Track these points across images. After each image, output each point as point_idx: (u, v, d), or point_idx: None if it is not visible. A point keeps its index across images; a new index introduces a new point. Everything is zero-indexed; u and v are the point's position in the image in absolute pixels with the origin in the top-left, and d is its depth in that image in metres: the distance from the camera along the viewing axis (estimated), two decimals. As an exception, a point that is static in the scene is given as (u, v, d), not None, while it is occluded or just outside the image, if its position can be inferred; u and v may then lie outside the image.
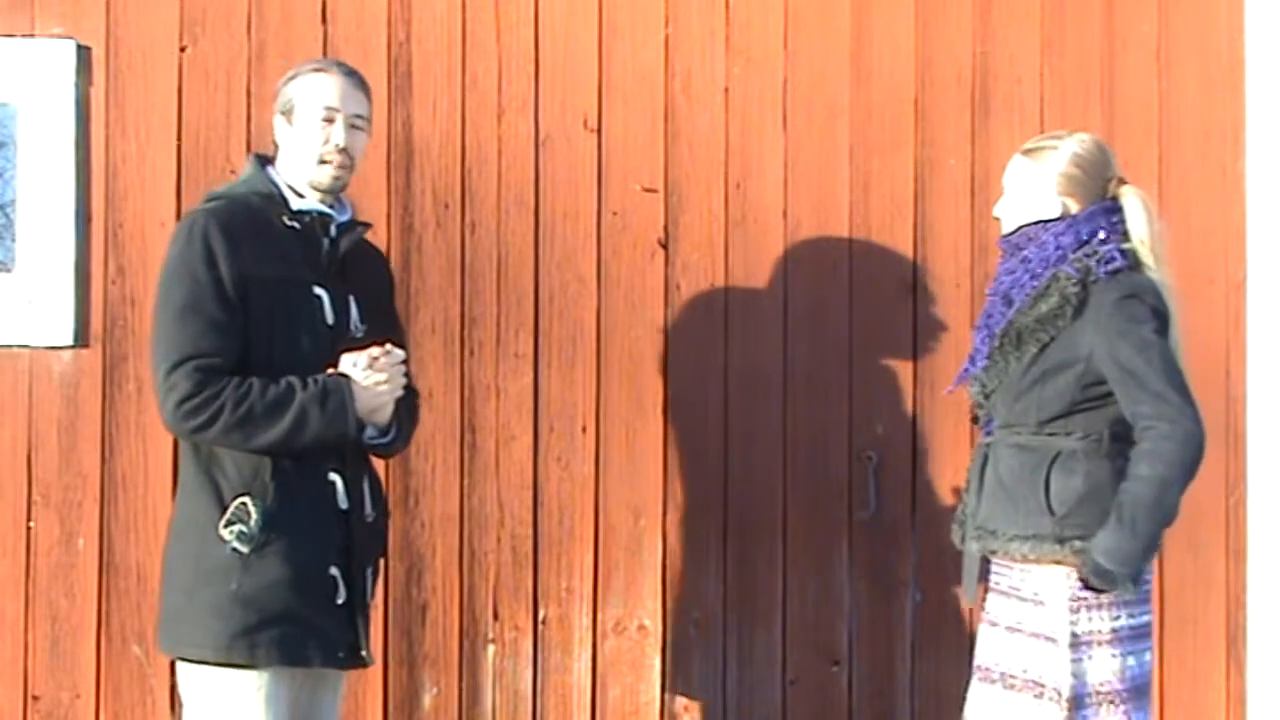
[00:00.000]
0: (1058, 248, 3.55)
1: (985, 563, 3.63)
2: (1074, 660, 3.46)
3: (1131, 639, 3.50)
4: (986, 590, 3.64)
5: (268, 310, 3.45)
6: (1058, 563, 3.47)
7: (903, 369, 4.45)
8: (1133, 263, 3.54)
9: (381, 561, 3.73)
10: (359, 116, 3.59)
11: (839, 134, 4.47)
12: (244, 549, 3.38)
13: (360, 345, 3.53)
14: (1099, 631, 3.47)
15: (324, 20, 4.37)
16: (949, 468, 4.35)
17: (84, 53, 4.31)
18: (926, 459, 4.43)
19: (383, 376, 3.50)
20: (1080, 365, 3.49)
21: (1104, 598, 3.44)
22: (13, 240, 4.30)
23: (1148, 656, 3.55)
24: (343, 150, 3.54)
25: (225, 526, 3.39)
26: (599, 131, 4.42)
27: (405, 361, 3.57)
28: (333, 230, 3.57)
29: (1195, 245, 4.49)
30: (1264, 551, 4.47)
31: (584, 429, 4.38)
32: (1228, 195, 4.52)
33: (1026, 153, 3.67)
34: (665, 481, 4.40)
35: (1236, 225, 4.52)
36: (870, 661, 4.42)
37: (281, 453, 3.42)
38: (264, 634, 3.38)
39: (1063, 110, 4.46)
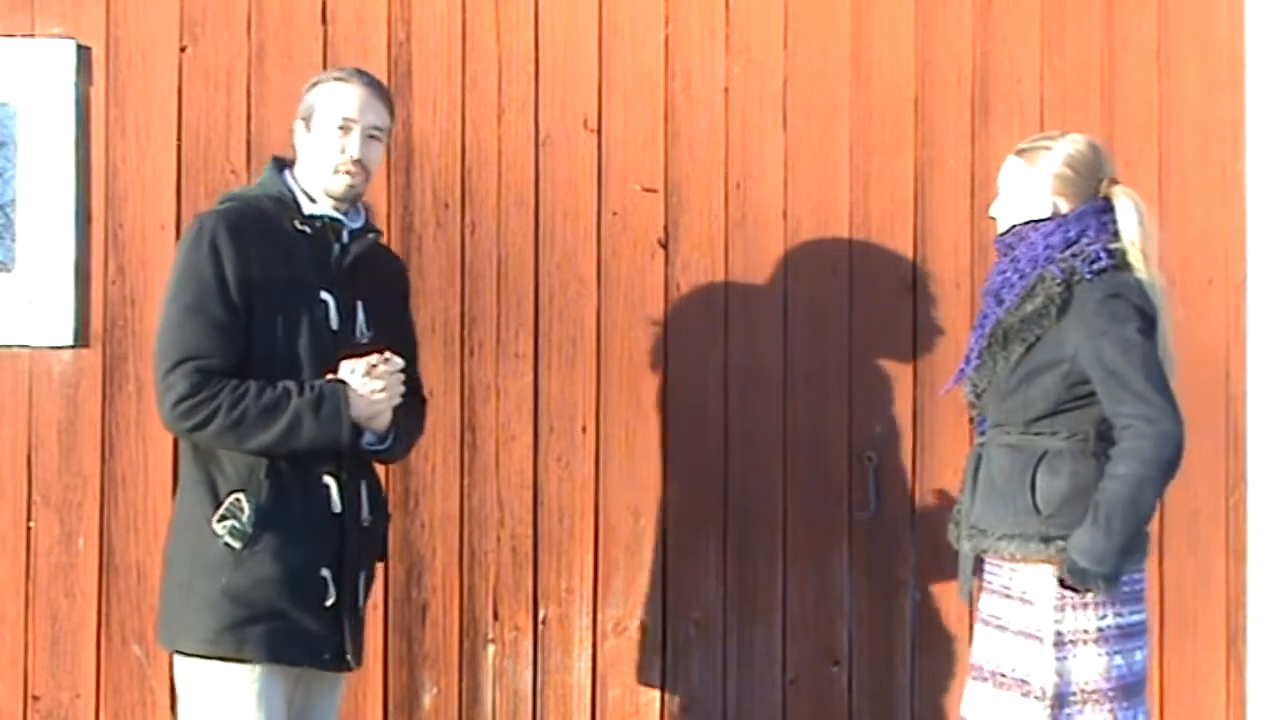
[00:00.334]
0: (1046, 247, 3.56)
1: (979, 562, 3.64)
2: (1058, 659, 3.47)
3: (1119, 638, 3.51)
4: (981, 589, 3.65)
5: (272, 313, 3.47)
6: (1045, 561, 3.48)
7: (903, 369, 4.45)
8: (1120, 262, 3.54)
9: (379, 566, 3.73)
10: (377, 128, 3.61)
11: (839, 134, 4.47)
12: (236, 544, 3.41)
13: (366, 351, 3.54)
14: (1084, 631, 3.48)
15: (324, 20, 4.37)
16: (949, 468, 4.35)
17: (84, 53, 4.31)
18: (926, 459, 4.43)
19: (380, 384, 3.52)
20: (1065, 365, 3.50)
21: (1090, 596, 3.44)
22: (13, 240, 4.30)
23: (1139, 656, 3.55)
24: (357, 161, 3.56)
25: (218, 521, 3.42)
26: (599, 131, 4.42)
27: (407, 370, 3.59)
28: (344, 236, 3.60)
29: (1195, 245, 4.49)
30: (1264, 551, 4.47)
31: (584, 429, 4.38)
32: (1228, 195, 4.52)
33: (1020, 153, 3.68)
34: (665, 481, 4.40)
35: (1236, 225, 4.52)
36: (870, 661, 4.42)
37: (276, 455, 3.44)
38: (251, 630, 3.41)
39: (1063, 110, 4.46)
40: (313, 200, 3.59)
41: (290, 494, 3.46)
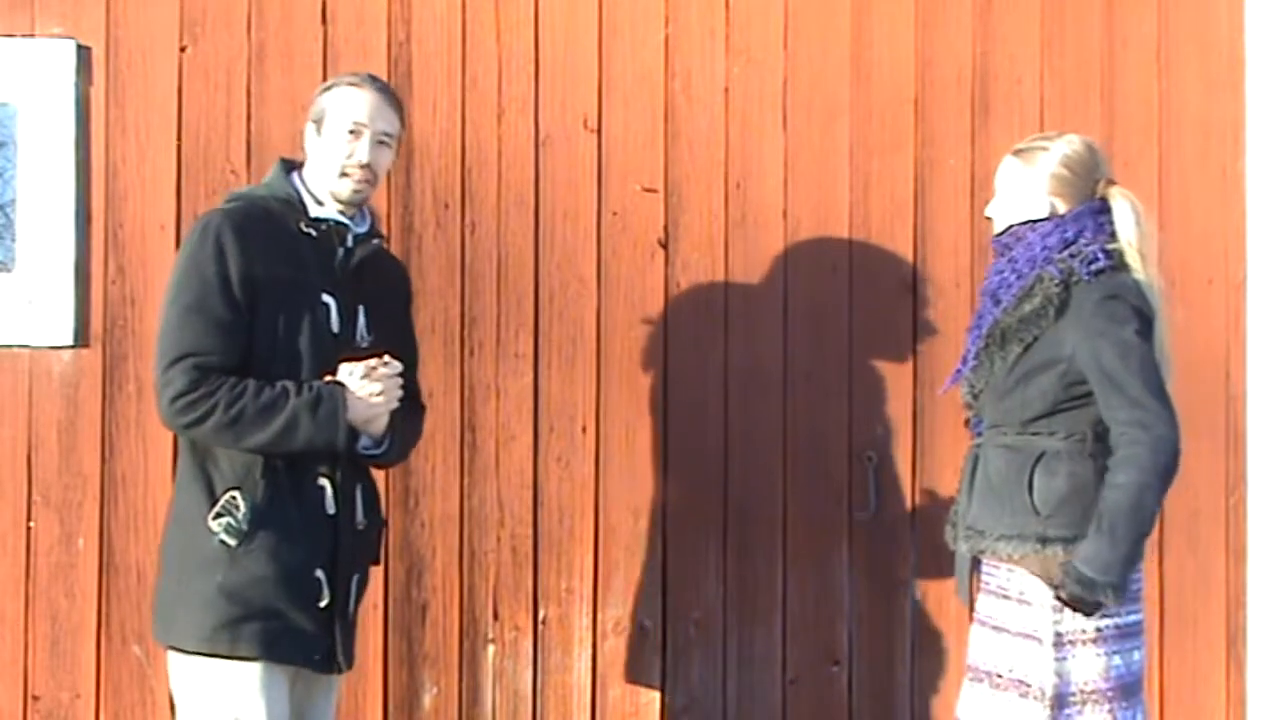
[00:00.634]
0: (1043, 248, 3.56)
1: (977, 563, 3.64)
2: (1057, 659, 3.47)
3: (1117, 638, 3.51)
4: (978, 590, 3.65)
5: (274, 313, 3.48)
6: (1039, 575, 3.47)
7: (903, 369, 4.45)
8: (1117, 263, 3.54)
9: (372, 569, 3.72)
10: (387, 134, 3.62)
11: (839, 134, 4.47)
12: (231, 542, 3.42)
13: (366, 356, 3.55)
14: (1083, 631, 3.48)
15: (324, 20, 4.37)
16: (949, 468, 4.35)
17: (84, 53, 4.31)
18: (926, 459, 4.43)
19: (378, 388, 3.53)
20: (1063, 365, 3.50)
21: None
22: (13, 240, 4.30)
23: (1137, 655, 3.55)
24: (365, 166, 3.57)
25: (214, 519, 3.43)
26: (599, 131, 4.42)
27: (406, 376, 3.60)
28: (349, 240, 3.60)
29: (1195, 245, 4.49)
30: (1264, 551, 4.47)
31: (584, 429, 4.38)
32: (1228, 195, 4.52)
33: (1017, 153, 3.68)
34: (665, 481, 4.40)
35: (1236, 225, 4.52)
36: (870, 661, 4.42)
37: (271, 455, 3.45)
38: (245, 628, 3.42)
39: (1063, 110, 4.46)
40: (319, 203, 3.59)
41: (286, 494, 3.47)
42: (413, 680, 4.33)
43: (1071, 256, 3.53)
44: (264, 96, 4.33)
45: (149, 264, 4.27)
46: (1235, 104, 4.53)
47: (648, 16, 4.44)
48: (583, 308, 4.40)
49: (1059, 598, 3.44)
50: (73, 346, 4.27)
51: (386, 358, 3.56)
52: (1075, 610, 3.44)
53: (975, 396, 3.65)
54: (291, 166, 3.66)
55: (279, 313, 3.48)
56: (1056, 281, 3.51)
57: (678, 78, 4.45)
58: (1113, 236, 3.57)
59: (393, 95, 3.67)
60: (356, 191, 3.58)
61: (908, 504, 4.43)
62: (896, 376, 4.45)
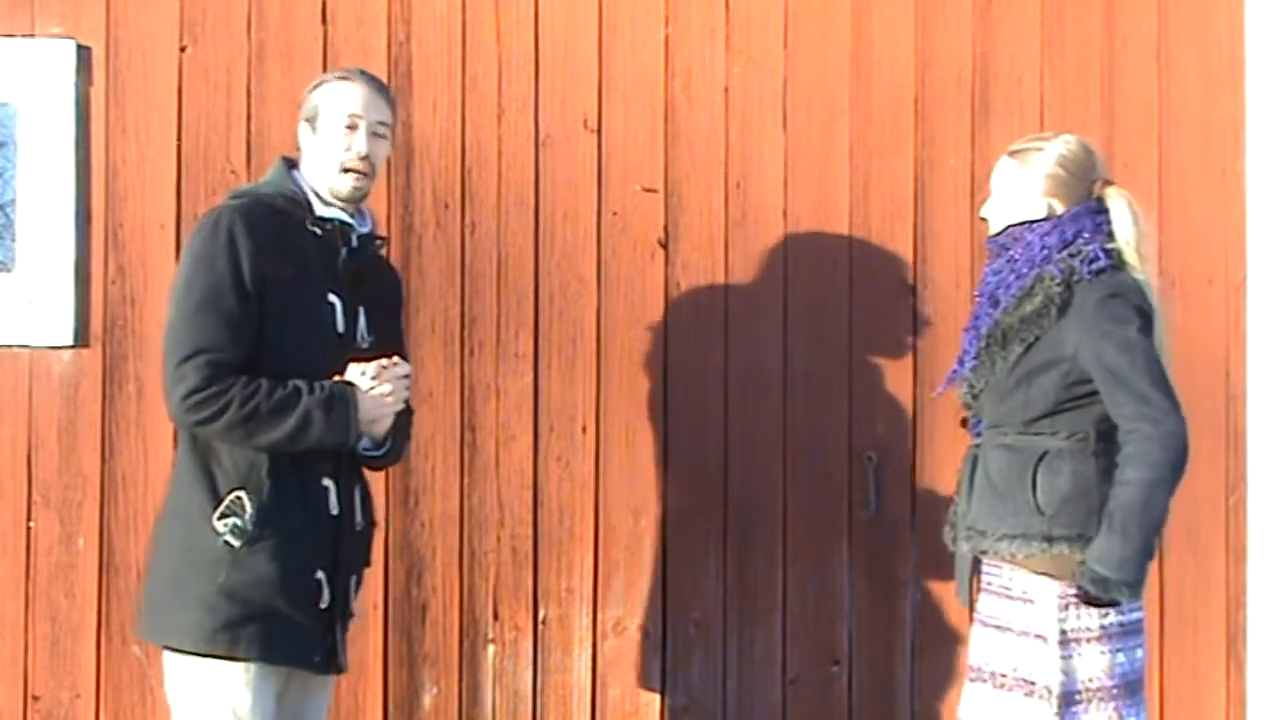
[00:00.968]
0: (1043, 248, 3.56)
1: (977, 563, 3.64)
2: (1063, 657, 3.47)
3: (1121, 635, 3.51)
4: (979, 590, 3.65)
5: (281, 311, 3.46)
6: (1047, 574, 3.48)
7: (903, 369, 4.45)
8: (1117, 263, 3.54)
9: (365, 572, 3.72)
10: (382, 124, 3.62)
11: (839, 134, 4.47)
12: (236, 542, 3.39)
13: (366, 356, 3.55)
14: (1088, 629, 3.48)
15: (324, 20, 4.37)
16: (949, 468, 4.34)
17: (84, 53, 4.31)
18: (926, 459, 4.43)
19: (388, 388, 3.53)
20: (1065, 364, 3.50)
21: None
22: (13, 240, 4.30)
23: (1139, 653, 3.55)
24: (365, 158, 3.57)
25: (219, 519, 3.40)
26: (599, 131, 4.42)
27: (408, 376, 3.60)
28: (353, 240, 3.60)
29: (1195, 245, 4.49)
30: (1264, 551, 4.47)
31: (584, 429, 4.38)
32: (1228, 195, 4.52)
33: (1013, 154, 3.68)
34: (665, 481, 4.40)
35: (1236, 225, 4.52)
36: (870, 661, 4.42)
37: (280, 453, 3.43)
38: (246, 629, 3.40)
39: (1063, 110, 4.46)
40: (325, 202, 3.59)
41: (290, 494, 3.45)
42: (413, 680, 4.33)
43: (1072, 256, 3.53)
44: (264, 96, 4.33)
45: (149, 264, 4.27)
46: (1235, 104, 4.53)
47: (648, 16, 4.44)
48: (583, 308, 4.40)
49: (1077, 597, 3.44)
50: (73, 346, 4.27)
51: (396, 358, 3.57)
52: (1094, 606, 3.43)
53: (975, 397, 3.65)
54: (293, 164, 3.65)
55: (286, 311, 3.47)
56: (1058, 281, 3.50)
57: (678, 78, 4.45)
58: (1110, 236, 3.57)
59: (384, 87, 3.67)
60: (357, 186, 3.58)
61: (908, 504, 4.43)
62: (896, 376, 4.45)
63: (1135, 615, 3.54)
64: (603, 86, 4.43)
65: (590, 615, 4.37)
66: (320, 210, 3.58)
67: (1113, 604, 3.44)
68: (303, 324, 3.50)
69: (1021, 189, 3.63)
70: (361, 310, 3.62)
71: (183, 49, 4.34)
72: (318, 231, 3.55)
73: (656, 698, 4.38)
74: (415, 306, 4.34)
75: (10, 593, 4.26)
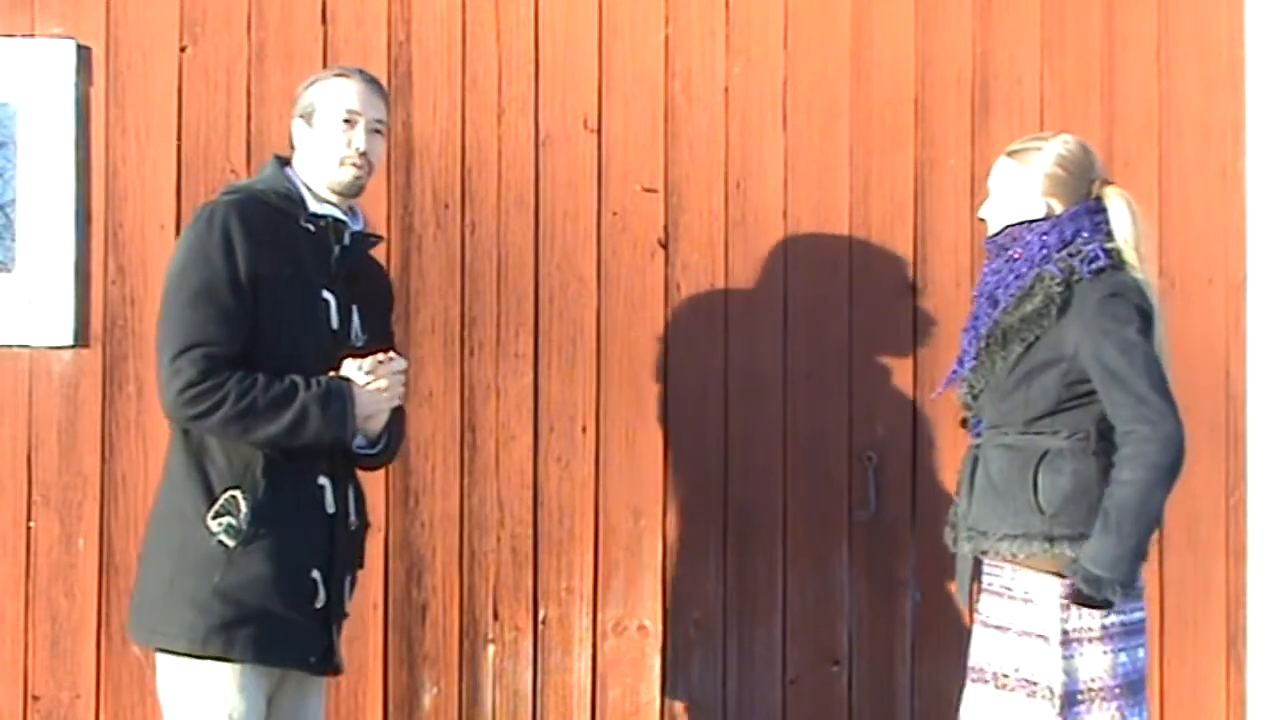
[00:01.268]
0: (1042, 247, 3.56)
1: (978, 564, 3.64)
2: (1065, 658, 3.46)
3: (1123, 635, 3.51)
4: (980, 591, 3.65)
5: (276, 308, 3.45)
6: (1049, 563, 3.48)
7: (903, 369, 4.45)
8: (1117, 262, 3.54)
9: (360, 573, 3.70)
10: (379, 121, 3.62)
11: (839, 134, 4.47)
12: (231, 542, 3.38)
13: (360, 354, 3.54)
14: (1089, 629, 3.48)
15: (324, 20, 4.37)
16: (949, 468, 4.34)
17: (84, 53, 4.31)
18: (926, 459, 4.43)
19: (384, 383, 3.52)
20: (1065, 364, 3.50)
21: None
22: (13, 240, 4.30)
23: (1141, 653, 3.55)
24: (363, 154, 3.56)
25: (213, 518, 3.38)
26: (599, 131, 4.42)
27: (404, 371, 3.59)
28: (346, 238, 3.59)
29: (1195, 245, 4.49)
30: (1264, 551, 4.47)
31: (584, 429, 4.38)
32: (1228, 195, 4.52)
33: (1011, 154, 3.68)
34: (665, 481, 4.40)
35: (1236, 225, 4.52)
36: (870, 661, 4.42)
37: (276, 450, 3.42)
38: (241, 630, 3.38)
39: (1063, 110, 4.46)
40: (319, 199, 3.58)
41: (286, 493, 3.43)
42: (413, 680, 4.33)
43: (1071, 255, 3.53)
44: (264, 96, 4.33)
45: (149, 264, 4.27)
46: (1235, 104, 4.53)
47: (648, 16, 4.44)
48: (583, 308, 4.40)
49: (1069, 597, 3.44)
50: (73, 346, 4.27)
51: (391, 353, 3.56)
52: (1085, 607, 3.44)
53: (975, 397, 3.64)
54: (285, 162, 3.64)
55: (281, 308, 3.45)
56: (1058, 280, 3.50)
57: (678, 78, 4.45)
58: (1110, 236, 3.57)
59: (380, 85, 3.67)
60: (356, 180, 3.57)
61: (908, 504, 4.43)
62: (896, 377, 4.45)
63: (1137, 615, 3.54)
64: (603, 86, 4.43)
65: (590, 615, 4.37)
66: (314, 207, 3.57)
67: (1105, 604, 3.43)
68: (297, 321, 3.48)
69: (1020, 189, 3.63)
70: (355, 309, 3.60)
71: (183, 49, 4.34)
72: (311, 228, 3.54)
73: (656, 698, 4.38)
74: (415, 306, 4.34)
75: (10, 593, 4.26)
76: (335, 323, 3.55)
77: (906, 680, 4.43)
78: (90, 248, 4.29)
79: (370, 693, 4.30)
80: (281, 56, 4.34)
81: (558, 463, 4.38)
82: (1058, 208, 3.61)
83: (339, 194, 3.58)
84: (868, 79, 4.48)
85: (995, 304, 3.59)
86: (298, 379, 3.42)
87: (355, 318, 3.61)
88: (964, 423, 3.73)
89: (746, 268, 4.44)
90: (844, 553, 4.43)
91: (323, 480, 3.50)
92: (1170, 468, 3.43)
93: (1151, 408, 3.42)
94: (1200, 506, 4.46)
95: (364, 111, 3.58)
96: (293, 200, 3.55)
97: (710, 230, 4.43)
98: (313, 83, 3.64)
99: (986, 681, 3.57)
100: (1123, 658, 3.50)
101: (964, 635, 3.70)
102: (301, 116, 3.62)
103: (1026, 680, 3.50)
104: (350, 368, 3.50)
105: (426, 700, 4.34)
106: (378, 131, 3.61)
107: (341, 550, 3.54)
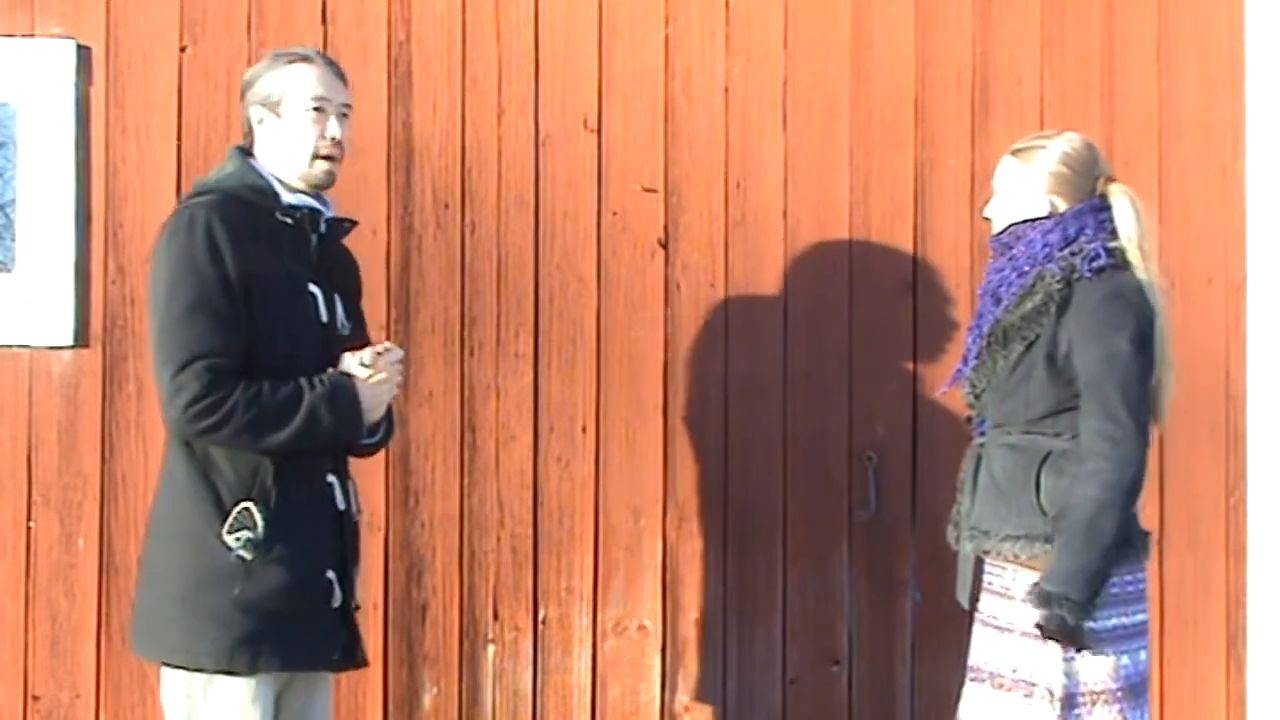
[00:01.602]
0: (1044, 245, 3.55)
1: (979, 563, 3.63)
2: (1065, 659, 3.46)
3: (1126, 638, 3.50)
4: (981, 591, 3.64)
5: (268, 307, 3.38)
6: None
7: (903, 369, 4.45)
8: (1119, 261, 3.53)
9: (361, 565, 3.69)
10: (346, 105, 3.54)
11: (839, 134, 4.47)
12: (249, 556, 3.31)
13: (348, 344, 3.51)
14: (1092, 630, 3.46)
15: (324, 20, 4.37)
16: (949, 468, 4.32)
17: (84, 53, 4.31)
18: (926, 459, 4.42)
19: (383, 376, 3.49)
20: (1062, 363, 3.49)
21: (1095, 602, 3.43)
22: (13, 240, 4.30)
23: (1143, 655, 3.54)
24: (338, 143, 3.49)
25: (229, 533, 3.32)
26: (599, 131, 4.42)
27: (402, 361, 3.57)
28: (321, 226, 3.53)
29: (1195, 245, 4.49)
30: (1264, 551, 4.47)
31: (584, 429, 4.38)
32: (1228, 195, 4.52)
33: (1016, 153, 3.67)
34: (665, 481, 4.40)
35: (1236, 225, 4.52)
36: (870, 661, 4.42)
37: (287, 453, 3.36)
38: (266, 640, 3.33)
39: (1063, 110, 4.46)
40: (290, 190, 3.49)
41: (297, 497, 3.38)
42: (413, 680, 4.33)
43: (1073, 254, 3.52)
44: (264, 96, 4.32)
45: (149, 264, 4.26)
46: (1235, 104, 4.53)
47: (648, 16, 4.44)
48: (583, 308, 4.40)
49: (1037, 626, 3.42)
50: (73, 346, 4.27)
51: (389, 344, 3.53)
52: (1052, 639, 3.41)
53: (977, 396, 3.64)
54: (246, 152, 3.53)
55: (272, 307, 3.38)
56: (1058, 279, 3.50)
57: (678, 78, 4.45)
58: (1113, 234, 3.56)
59: (338, 65, 3.57)
60: (330, 170, 3.49)
61: (908, 504, 4.43)
62: (896, 377, 4.44)
63: (1139, 617, 3.53)
64: (603, 86, 4.43)
65: (590, 615, 4.37)
66: (288, 198, 3.47)
67: (1059, 623, 3.38)
68: (291, 318, 3.42)
69: (1024, 187, 3.62)
70: (337, 297, 3.55)
71: (183, 49, 4.34)
72: (289, 221, 3.46)
73: (656, 698, 4.38)
74: (415, 306, 4.34)
75: (10, 593, 4.26)
76: (324, 315, 3.49)
77: (906, 680, 4.43)
78: (90, 248, 4.29)
79: (370, 693, 4.30)
80: (281, 56, 4.33)
81: (558, 463, 4.38)
82: (1062, 206, 3.60)
83: (313, 186, 3.50)
84: (868, 79, 4.48)
85: (998, 302, 3.59)
86: (301, 381, 3.37)
87: (339, 307, 3.56)
88: (968, 421, 3.72)
89: (746, 268, 4.44)
90: (844, 553, 4.43)
91: (330, 478, 3.47)
92: (1127, 488, 3.41)
93: (1117, 424, 3.40)
94: (1200, 506, 4.46)
95: (333, 98, 3.49)
96: (265, 194, 3.46)
97: (710, 230, 4.43)
98: (270, 69, 3.51)
99: (984, 681, 3.57)
100: (1125, 660, 3.50)
101: (964, 635, 3.69)
102: (264, 106, 3.49)
103: (1025, 681, 3.50)
104: (351, 362, 3.46)
105: (426, 700, 4.34)
106: (344, 115, 3.52)
107: (349, 545, 3.52)
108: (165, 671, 3.42)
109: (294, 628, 3.37)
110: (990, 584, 3.61)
